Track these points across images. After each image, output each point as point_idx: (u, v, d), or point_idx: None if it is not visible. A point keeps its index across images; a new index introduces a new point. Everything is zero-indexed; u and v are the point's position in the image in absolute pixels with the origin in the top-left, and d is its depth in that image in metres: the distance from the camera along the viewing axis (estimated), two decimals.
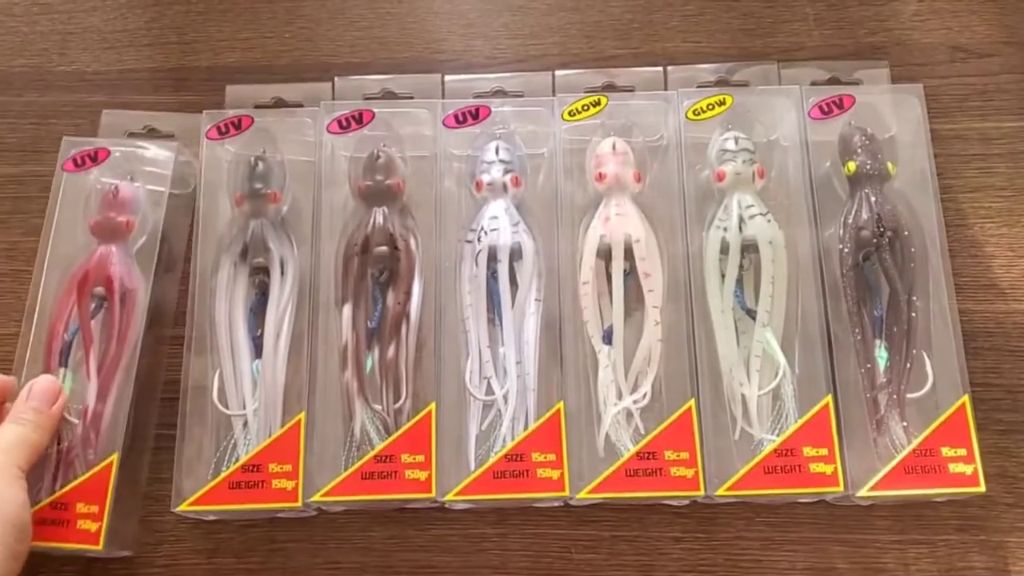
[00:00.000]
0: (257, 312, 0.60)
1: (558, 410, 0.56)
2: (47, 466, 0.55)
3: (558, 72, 0.66)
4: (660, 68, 0.66)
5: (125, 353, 0.58)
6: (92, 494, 0.54)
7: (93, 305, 0.58)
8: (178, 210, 0.64)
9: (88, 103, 0.68)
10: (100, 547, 0.53)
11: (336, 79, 0.66)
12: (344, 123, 0.63)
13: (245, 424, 0.57)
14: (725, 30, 0.70)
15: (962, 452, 0.54)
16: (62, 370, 0.57)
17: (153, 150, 0.64)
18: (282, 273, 0.60)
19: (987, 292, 0.61)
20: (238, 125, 0.63)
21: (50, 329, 0.58)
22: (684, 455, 0.55)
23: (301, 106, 0.65)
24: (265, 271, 0.60)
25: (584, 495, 0.55)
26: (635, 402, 0.57)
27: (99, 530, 0.54)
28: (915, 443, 0.55)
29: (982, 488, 0.54)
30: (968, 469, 0.54)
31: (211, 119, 0.63)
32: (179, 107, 0.67)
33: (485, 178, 0.61)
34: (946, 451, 0.54)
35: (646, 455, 0.55)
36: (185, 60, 0.70)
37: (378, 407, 0.57)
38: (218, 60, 0.69)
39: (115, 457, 0.55)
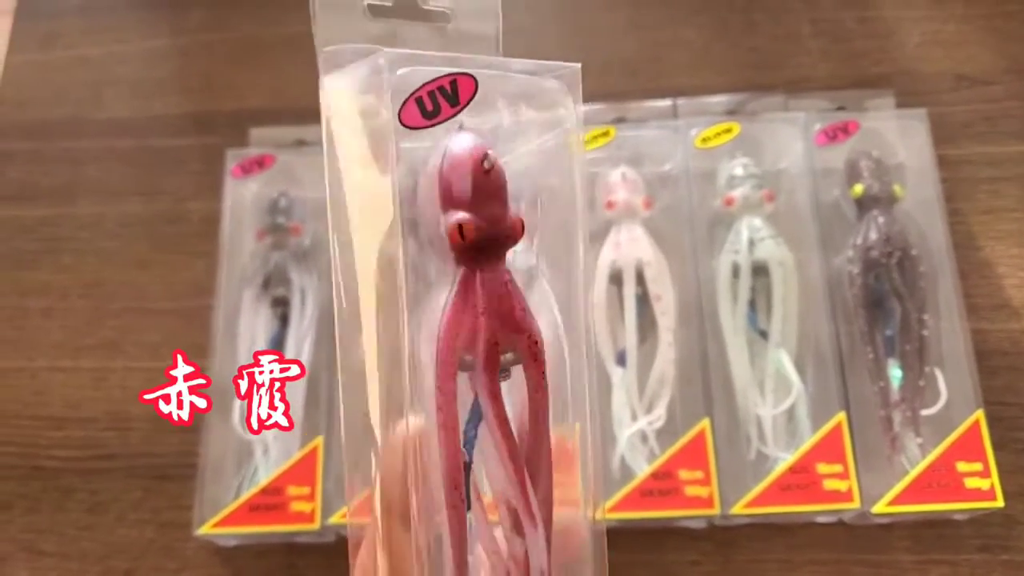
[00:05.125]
0: (278, 341, 0.61)
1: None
2: None
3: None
4: (670, 102, 0.67)
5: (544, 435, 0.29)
6: None
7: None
8: None
9: (118, 148, 0.71)
10: None
11: None
12: None
13: (266, 450, 0.59)
14: (733, 66, 0.71)
15: (978, 467, 0.54)
16: None
17: None
18: (302, 303, 0.61)
19: (1001, 312, 0.61)
20: (261, 164, 0.65)
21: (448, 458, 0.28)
22: (699, 474, 0.55)
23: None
24: (287, 302, 0.62)
25: (600, 516, 0.55)
26: (650, 423, 0.58)
27: None
28: (930, 458, 0.54)
29: (1000, 503, 0.53)
30: (985, 484, 0.54)
31: (235, 158, 0.66)
32: (204, 150, 0.70)
33: None
34: (961, 466, 0.54)
35: (661, 475, 0.55)
36: (210, 105, 0.73)
37: None
38: (242, 104, 0.72)
39: None
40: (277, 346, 0.61)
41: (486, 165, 0.27)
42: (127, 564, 0.59)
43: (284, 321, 0.62)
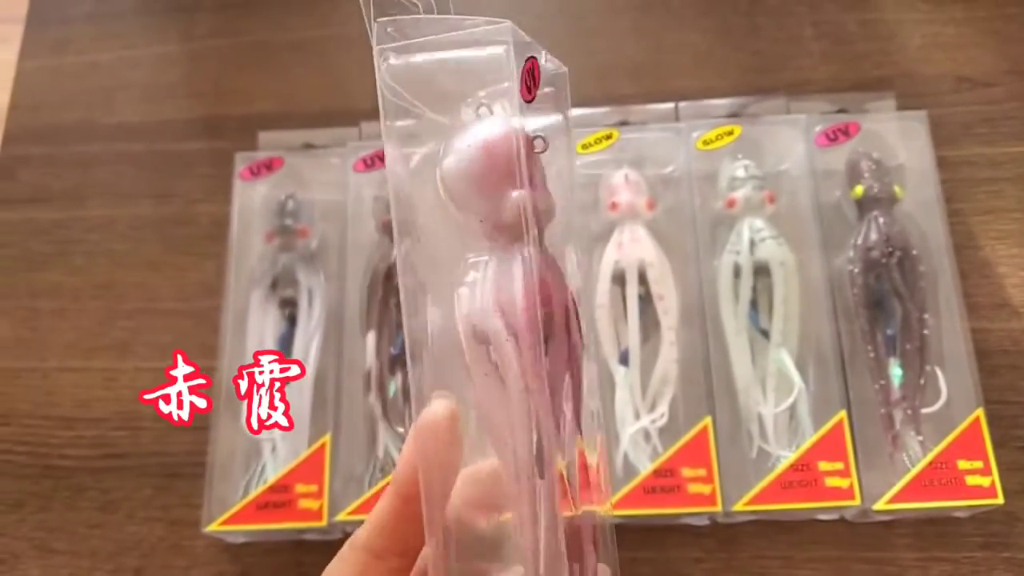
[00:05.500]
0: (286, 341, 0.62)
1: None
2: None
3: (572, 111, 0.68)
4: (671, 105, 0.68)
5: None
6: None
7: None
8: None
9: (129, 152, 0.72)
10: None
11: (363, 123, 0.68)
12: (369, 162, 0.66)
13: (274, 448, 0.59)
14: (735, 69, 0.72)
15: (978, 464, 0.54)
16: None
17: None
18: (309, 304, 0.62)
19: (1001, 311, 0.62)
20: (269, 166, 0.66)
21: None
22: (701, 472, 0.56)
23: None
24: (294, 303, 0.63)
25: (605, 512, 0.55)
26: (652, 421, 0.58)
27: None
28: (930, 456, 0.55)
29: (1000, 500, 0.53)
30: (985, 481, 0.54)
31: (243, 161, 0.67)
32: (213, 153, 0.71)
33: None
34: (962, 464, 0.54)
35: (664, 472, 0.56)
36: (219, 109, 0.74)
37: (400, 430, 0.58)
38: (251, 108, 0.73)
39: None
40: (285, 346, 0.62)
41: (539, 145, 0.29)
42: (137, 561, 0.60)
43: (292, 322, 0.63)
